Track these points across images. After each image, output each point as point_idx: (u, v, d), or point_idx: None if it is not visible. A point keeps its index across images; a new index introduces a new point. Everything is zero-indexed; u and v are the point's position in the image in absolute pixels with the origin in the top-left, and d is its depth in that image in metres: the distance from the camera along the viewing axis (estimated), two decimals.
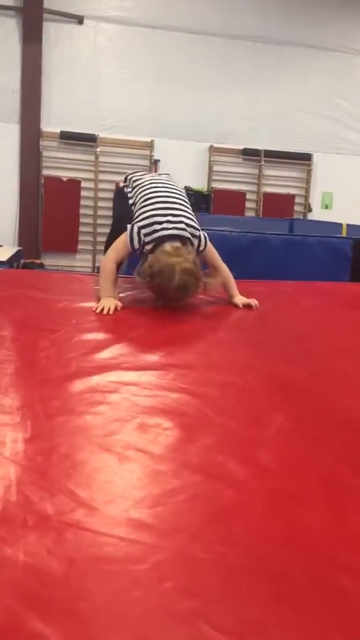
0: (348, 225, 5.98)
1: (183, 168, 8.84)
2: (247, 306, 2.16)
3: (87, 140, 8.49)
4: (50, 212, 8.34)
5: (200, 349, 1.69)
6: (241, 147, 9.15)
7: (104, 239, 9.31)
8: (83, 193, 8.57)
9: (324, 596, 0.78)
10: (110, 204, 8.86)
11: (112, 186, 8.58)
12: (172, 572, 0.79)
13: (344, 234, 5.33)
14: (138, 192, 2.28)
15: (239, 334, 1.81)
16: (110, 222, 9.06)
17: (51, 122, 8.37)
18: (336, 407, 1.28)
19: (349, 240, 3.00)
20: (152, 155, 8.77)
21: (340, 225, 6.02)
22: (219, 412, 1.28)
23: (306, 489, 1.04)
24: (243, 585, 0.78)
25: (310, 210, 9.57)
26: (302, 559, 0.85)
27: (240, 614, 0.73)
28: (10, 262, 5.40)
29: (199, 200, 8.94)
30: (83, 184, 8.55)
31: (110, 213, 8.58)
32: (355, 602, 0.77)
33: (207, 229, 2.22)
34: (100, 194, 8.62)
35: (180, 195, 2.27)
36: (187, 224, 2.09)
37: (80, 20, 8.35)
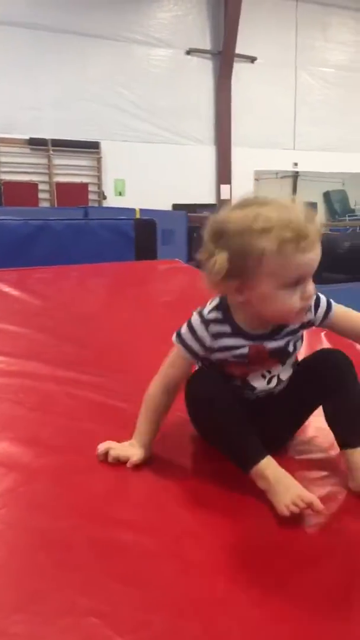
0: (141, 210, 6.14)
1: None
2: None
3: None
4: None
5: None
6: (27, 137, 8.93)
7: None
8: None
9: (104, 554, 0.81)
10: None
11: None
12: None
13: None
14: None
15: (23, 322, 1.78)
16: None
17: None
18: (118, 380, 1.33)
19: (131, 221, 3.11)
20: None
21: (134, 210, 6.16)
22: (1, 401, 1.26)
23: (90, 461, 1.07)
24: (23, 560, 0.79)
25: (104, 197, 9.67)
26: (85, 525, 0.88)
27: (21, 587, 0.74)
28: None
29: None
30: None
31: None
32: (133, 552, 0.82)
33: None
34: None
35: None
36: None
37: None
